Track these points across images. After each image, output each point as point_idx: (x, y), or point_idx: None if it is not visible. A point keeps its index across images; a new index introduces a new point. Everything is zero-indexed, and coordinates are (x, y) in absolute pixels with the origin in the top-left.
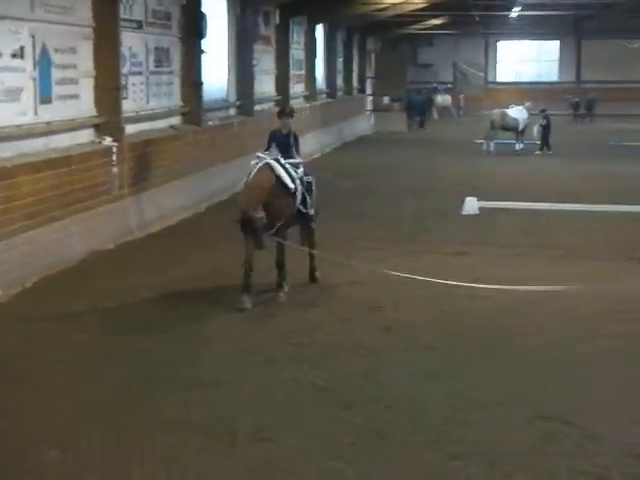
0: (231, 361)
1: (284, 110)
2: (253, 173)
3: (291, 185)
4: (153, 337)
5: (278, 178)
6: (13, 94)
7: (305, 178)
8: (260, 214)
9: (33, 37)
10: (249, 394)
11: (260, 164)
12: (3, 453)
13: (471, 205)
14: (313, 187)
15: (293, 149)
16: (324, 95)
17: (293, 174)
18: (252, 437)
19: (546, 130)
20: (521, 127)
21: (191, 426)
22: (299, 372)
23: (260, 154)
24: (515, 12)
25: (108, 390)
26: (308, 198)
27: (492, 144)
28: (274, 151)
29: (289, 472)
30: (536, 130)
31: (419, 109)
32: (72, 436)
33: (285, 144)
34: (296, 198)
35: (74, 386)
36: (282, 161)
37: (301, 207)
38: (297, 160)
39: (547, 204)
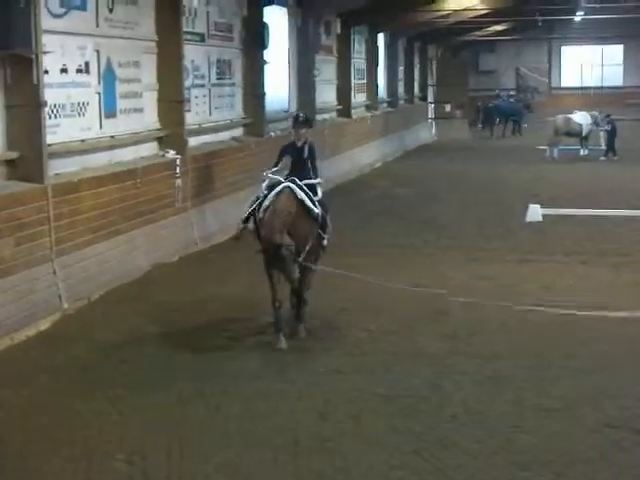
0: (292, 370)
1: (298, 118)
2: (271, 197)
3: (315, 210)
4: (217, 350)
5: (301, 202)
6: (79, 109)
7: (322, 199)
8: (287, 241)
9: (98, 52)
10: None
11: (279, 188)
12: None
13: (535, 212)
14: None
15: (309, 165)
16: (385, 104)
17: (312, 197)
18: (314, 447)
19: (611, 135)
20: (585, 132)
21: (254, 437)
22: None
23: (270, 174)
24: (578, 16)
25: (172, 401)
26: (328, 222)
27: (556, 150)
28: (283, 169)
29: None
30: (601, 135)
31: (507, 115)
32: (139, 447)
33: (299, 159)
34: (318, 223)
35: (140, 397)
36: (299, 183)
37: (320, 232)
38: (316, 180)
39: (612, 210)
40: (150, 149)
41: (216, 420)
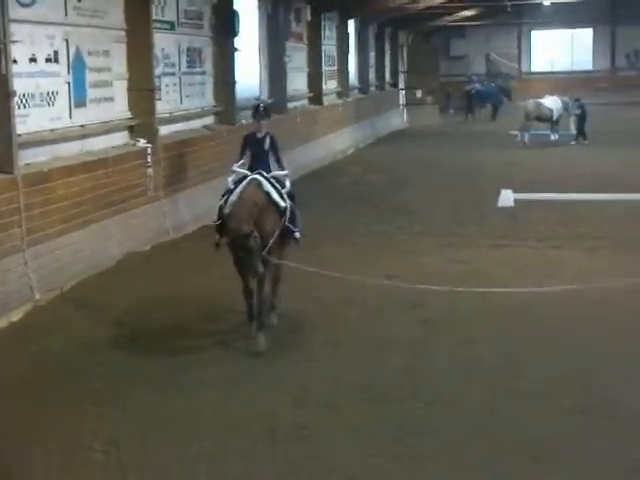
0: (268, 360)
1: (258, 109)
2: (238, 190)
3: (282, 203)
4: (190, 338)
5: (267, 195)
6: (48, 98)
7: (291, 191)
8: (255, 232)
9: (67, 41)
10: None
11: (245, 181)
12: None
13: (506, 197)
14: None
15: (271, 156)
16: (357, 90)
17: (280, 189)
18: (292, 436)
19: (581, 120)
20: (556, 117)
21: (231, 425)
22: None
23: (236, 168)
24: (548, 0)
25: (147, 391)
26: (298, 215)
27: (527, 135)
28: (247, 161)
29: (329, 469)
30: (572, 120)
31: (486, 100)
32: (114, 437)
33: (261, 151)
34: (285, 216)
35: (116, 388)
36: (266, 175)
37: (290, 225)
38: (283, 172)
39: (583, 194)
40: (121, 138)
41: (192, 409)
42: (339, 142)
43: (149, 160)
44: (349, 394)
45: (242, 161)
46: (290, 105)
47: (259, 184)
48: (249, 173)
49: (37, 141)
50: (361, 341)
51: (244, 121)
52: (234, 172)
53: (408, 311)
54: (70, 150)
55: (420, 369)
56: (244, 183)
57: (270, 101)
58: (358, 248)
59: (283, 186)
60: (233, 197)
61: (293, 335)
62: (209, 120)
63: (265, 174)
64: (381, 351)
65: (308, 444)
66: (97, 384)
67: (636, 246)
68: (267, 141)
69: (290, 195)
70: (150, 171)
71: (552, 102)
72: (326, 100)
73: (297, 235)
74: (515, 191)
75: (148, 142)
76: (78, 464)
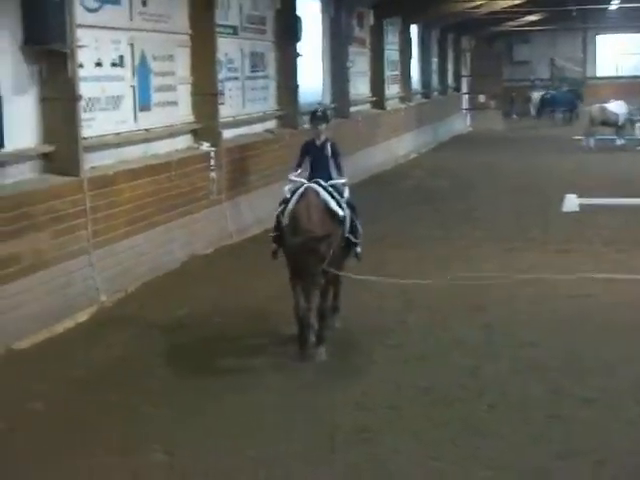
0: (330, 365)
1: (316, 113)
2: (294, 199)
3: (340, 212)
4: (250, 343)
5: (325, 204)
6: (113, 102)
7: (350, 200)
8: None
9: (132, 45)
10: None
11: (301, 189)
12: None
13: (571, 202)
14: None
15: (331, 164)
16: (419, 95)
17: (338, 198)
18: (352, 440)
19: None
20: (621, 122)
21: (291, 429)
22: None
23: (293, 177)
24: (614, 4)
25: (206, 394)
26: (358, 225)
27: (592, 140)
28: (305, 171)
29: (390, 473)
30: (637, 126)
31: (561, 105)
32: (178, 439)
33: (321, 159)
34: (345, 226)
35: (174, 390)
36: (324, 184)
37: (350, 236)
38: (341, 180)
39: None
40: (184, 142)
41: (251, 412)
42: (401, 146)
43: (212, 163)
44: (411, 397)
45: (299, 170)
46: (353, 109)
47: (316, 193)
48: (305, 182)
49: (102, 144)
50: (423, 344)
51: (307, 125)
52: (291, 181)
53: (471, 315)
54: (135, 153)
55: (483, 371)
56: (300, 191)
57: (332, 106)
58: (420, 253)
59: (342, 195)
60: (290, 206)
61: (355, 339)
62: (272, 124)
63: (323, 183)
64: (444, 354)
65: (368, 448)
66: (155, 386)
67: None
68: (328, 147)
69: (349, 205)
70: (213, 174)
71: (617, 107)
72: (389, 104)
73: (358, 250)
74: (580, 196)
75: (211, 146)
76: (140, 465)
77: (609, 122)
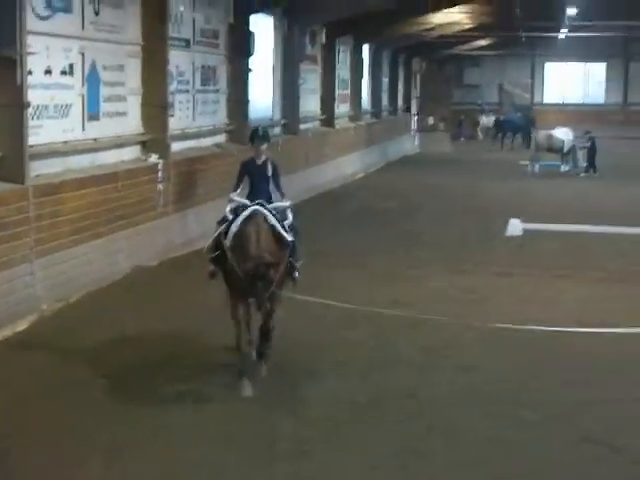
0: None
1: (257, 132)
2: (239, 221)
3: (289, 238)
4: (196, 356)
5: (272, 228)
6: (62, 111)
7: (293, 224)
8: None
9: (83, 54)
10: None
11: (247, 212)
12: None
13: (515, 227)
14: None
15: (271, 185)
16: (369, 115)
17: (283, 222)
18: (293, 451)
19: (591, 152)
20: (566, 149)
21: (231, 440)
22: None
23: (235, 197)
24: (562, 33)
25: (150, 402)
26: (298, 249)
27: (537, 165)
28: (245, 189)
29: None
30: (581, 152)
31: (517, 128)
32: (115, 446)
33: (261, 179)
34: (288, 251)
35: (117, 400)
36: (268, 207)
37: (292, 259)
38: (285, 204)
39: (591, 226)
40: (133, 153)
41: (192, 423)
42: (350, 165)
43: (160, 176)
44: (351, 412)
45: (239, 190)
46: (302, 126)
47: (263, 217)
48: (249, 203)
49: (49, 153)
50: (364, 362)
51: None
52: (232, 201)
53: (410, 336)
54: (82, 163)
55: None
56: (246, 214)
57: (282, 122)
58: (366, 272)
59: (285, 218)
60: (233, 228)
61: (296, 356)
62: (221, 138)
63: (267, 205)
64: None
65: (308, 460)
66: (99, 395)
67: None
68: (269, 167)
69: (292, 228)
70: (160, 186)
71: (563, 134)
72: (338, 123)
73: (296, 275)
74: (524, 221)
75: (159, 158)
76: (81, 469)
77: (555, 148)
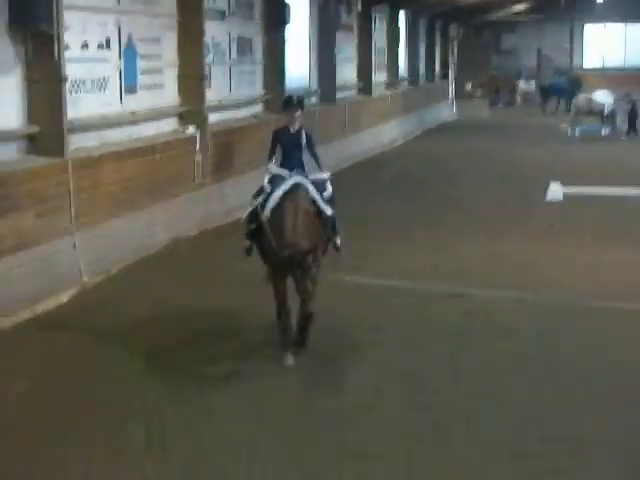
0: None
1: (291, 100)
2: (279, 195)
3: (328, 212)
4: (235, 325)
5: (314, 203)
6: (99, 84)
7: (332, 196)
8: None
9: (119, 28)
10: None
11: (288, 185)
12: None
13: (555, 191)
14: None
15: (305, 154)
16: (406, 82)
17: (323, 194)
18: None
19: (632, 115)
20: (607, 112)
21: (273, 416)
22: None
23: (274, 168)
24: None
25: (188, 381)
26: (337, 224)
27: (577, 129)
28: (278, 158)
29: (371, 455)
30: (619, 116)
31: (562, 92)
32: (150, 414)
33: (295, 148)
34: (328, 225)
35: (155, 371)
36: (308, 178)
37: (330, 233)
38: (324, 175)
39: (632, 189)
40: (170, 125)
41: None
42: (388, 133)
43: (197, 147)
44: (392, 382)
45: (273, 159)
46: (339, 95)
47: (305, 191)
48: (287, 175)
49: (87, 126)
50: (406, 332)
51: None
52: (271, 172)
53: (450, 303)
54: (120, 136)
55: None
56: (285, 187)
57: (318, 91)
58: (405, 241)
59: (324, 189)
60: (272, 202)
61: (336, 327)
62: (258, 108)
63: (306, 178)
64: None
65: (350, 430)
66: (139, 366)
67: None
68: (303, 136)
69: (330, 200)
70: (198, 158)
71: (603, 96)
72: (375, 91)
73: (338, 242)
74: (564, 184)
75: (197, 129)
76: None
77: (595, 112)
